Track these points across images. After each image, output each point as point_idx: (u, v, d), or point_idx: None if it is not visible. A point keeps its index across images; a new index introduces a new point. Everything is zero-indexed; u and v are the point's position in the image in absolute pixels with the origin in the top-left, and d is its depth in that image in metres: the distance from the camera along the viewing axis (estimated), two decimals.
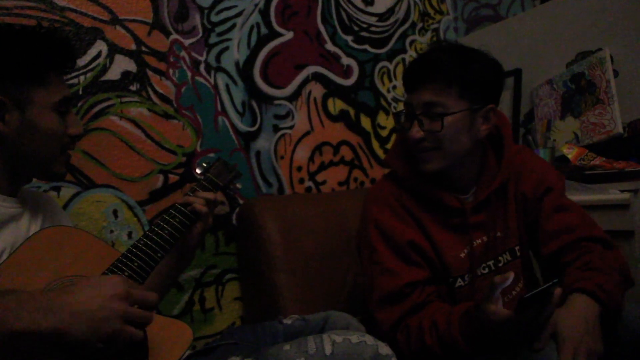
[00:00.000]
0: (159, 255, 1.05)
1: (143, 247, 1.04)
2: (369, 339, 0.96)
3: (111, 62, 1.56)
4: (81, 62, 1.50)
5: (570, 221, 1.23)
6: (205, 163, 1.32)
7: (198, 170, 1.29)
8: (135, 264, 1.00)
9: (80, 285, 0.78)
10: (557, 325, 1.03)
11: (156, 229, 1.08)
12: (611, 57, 1.86)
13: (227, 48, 1.79)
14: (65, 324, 0.73)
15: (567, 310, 1.05)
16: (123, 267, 0.99)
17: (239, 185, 1.36)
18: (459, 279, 1.25)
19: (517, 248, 1.29)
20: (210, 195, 1.18)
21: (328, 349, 0.92)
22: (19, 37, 1.01)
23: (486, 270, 1.27)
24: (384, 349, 0.96)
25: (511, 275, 0.98)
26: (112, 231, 1.53)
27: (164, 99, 1.65)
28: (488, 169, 1.29)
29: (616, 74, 1.85)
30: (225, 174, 1.29)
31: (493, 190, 1.25)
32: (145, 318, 0.82)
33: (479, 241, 1.26)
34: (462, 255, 1.25)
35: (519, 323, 0.98)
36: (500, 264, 1.28)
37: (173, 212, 1.13)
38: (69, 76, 1.47)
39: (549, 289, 0.96)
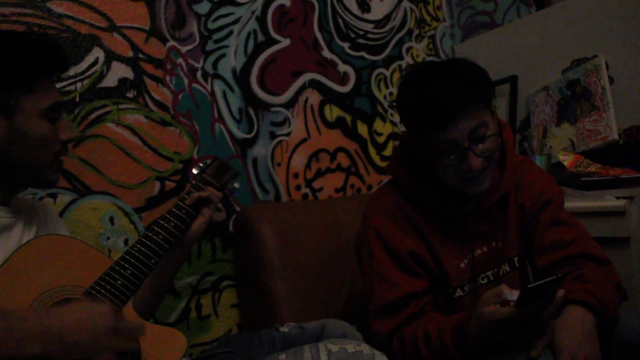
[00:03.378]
0: (153, 261, 1.03)
1: (136, 254, 1.02)
2: (366, 349, 0.96)
3: (108, 69, 1.56)
4: (78, 69, 1.51)
5: (565, 236, 1.22)
6: (202, 163, 1.30)
7: (194, 171, 1.27)
8: (128, 272, 0.99)
9: (70, 311, 0.80)
10: (554, 335, 1.03)
11: (150, 234, 1.07)
12: (606, 63, 1.87)
13: (224, 55, 1.80)
14: (54, 352, 0.76)
15: (563, 321, 1.05)
16: (115, 275, 0.98)
17: (237, 185, 1.31)
18: (459, 289, 1.25)
19: (516, 259, 1.29)
20: (218, 193, 1.20)
21: (324, 359, 0.92)
22: (5, 43, 0.98)
23: (485, 281, 1.27)
24: (381, 359, 0.96)
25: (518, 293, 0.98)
26: (108, 238, 1.53)
27: (160, 105, 1.65)
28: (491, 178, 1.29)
29: (611, 80, 1.86)
30: (222, 174, 1.27)
31: (495, 200, 1.25)
32: (130, 348, 0.85)
33: (479, 251, 1.26)
34: (462, 265, 1.25)
35: (519, 321, 0.97)
36: (500, 275, 1.27)
37: (168, 216, 1.12)
38: (66, 83, 1.48)
39: (553, 283, 0.95)
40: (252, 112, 1.84)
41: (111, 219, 1.54)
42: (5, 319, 0.76)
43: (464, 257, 1.25)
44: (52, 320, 0.78)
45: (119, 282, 0.97)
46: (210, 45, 1.77)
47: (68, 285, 0.95)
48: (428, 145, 1.16)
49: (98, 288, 0.95)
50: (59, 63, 1.05)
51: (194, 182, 1.23)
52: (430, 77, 1.14)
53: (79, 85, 1.51)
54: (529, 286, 0.93)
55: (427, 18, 2.39)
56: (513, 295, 0.98)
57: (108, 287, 0.96)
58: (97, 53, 1.55)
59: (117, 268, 0.99)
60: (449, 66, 1.17)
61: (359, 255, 1.34)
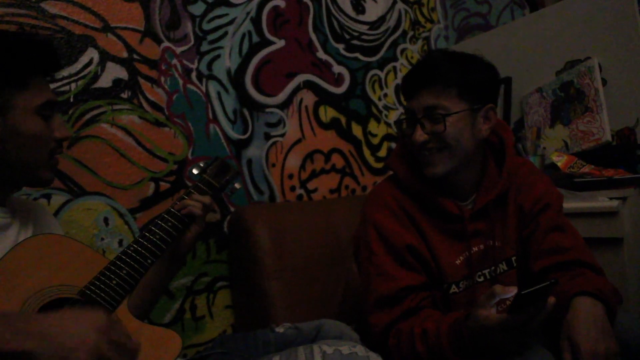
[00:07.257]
0: (149, 261, 1.02)
1: (132, 254, 1.01)
2: (361, 350, 0.95)
3: (102, 70, 1.56)
4: (72, 69, 1.50)
5: (563, 242, 1.23)
6: (202, 163, 1.28)
7: (195, 171, 1.25)
8: (124, 271, 0.98)
9: (70, 317, 0.75)
10: (570, 333, 1.03)
11: (147, 234, 1.06)
12: (600, 65, 1.88)
13: (218, 56, 1.80)
14: (35, 347, 0.69)
15: (575, 316, 1.05)
16: (111, 275, 0.97)
17: (237, 186, 1.30)
18: (454, 286, 1.25)
19: (513, 258, 1.29)
20: (206, 199, 1.15)
21: None
22: None
23: (481, 279, 1.27)
24: None
25: (514, 290, 0.98)
26: (102, 239, 1.53)
27: (155, 106, 1.65)
28: (488, 176, 1.30)
29: (604, 82, 1.87)
30: (222, 174, 1.26)
31: (493, 198, 1.26)
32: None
33: (476, 249, 1.27)
34: (458, 262, 1.26)
35: (512, 327, 0.98)
36: (496, 274, 1.28)
37: (166, 216, 1.11)
38: (60, 83, 1.47)
39: (546, 289, 0.95)
40: (246, 113, 1.84)
41: (105, 220, 1.53)
42: None
43: (460, 253, 1.26)
44: (51, 322, 0.73)
45: (114, 281, 0.96)
46: (205, 46, 1.77)
47: (63, 284, 0.94)
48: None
49: (93, 287, 0.94)
50: (51, 62, 1.05)
51: (192, 183, 1.22)
52: (425, 56, 1.36)
53: (73, 85, 1.50)
54: (522, 292, 0.93)
55: (422, 20, 2.40)
56: (507, 293, 0.98)
57: (103, 286, 0.95)
58: (92, 54, 1.54)
59: (113, 268, 0.98)
60: (445, 52, 1.27)
61: (357, 250, 1.35)
